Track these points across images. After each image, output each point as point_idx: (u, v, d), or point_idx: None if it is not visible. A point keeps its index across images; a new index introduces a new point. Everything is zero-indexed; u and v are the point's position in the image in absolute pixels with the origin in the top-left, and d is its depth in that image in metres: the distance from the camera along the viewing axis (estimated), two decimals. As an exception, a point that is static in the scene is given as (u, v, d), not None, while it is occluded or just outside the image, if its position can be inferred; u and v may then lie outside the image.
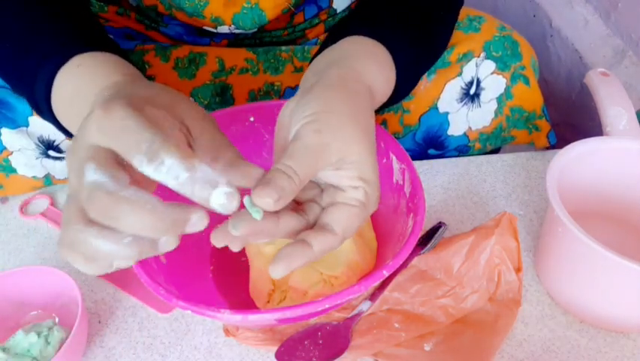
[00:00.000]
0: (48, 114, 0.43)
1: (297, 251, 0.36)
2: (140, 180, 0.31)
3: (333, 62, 0.44)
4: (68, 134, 0.45)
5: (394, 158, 0.51)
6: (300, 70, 0.68)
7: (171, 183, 0.30)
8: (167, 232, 0.29)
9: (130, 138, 0.30)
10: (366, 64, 0.44)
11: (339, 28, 0.49)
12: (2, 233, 0.61)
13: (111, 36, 0.65)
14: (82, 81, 0.40)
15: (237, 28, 0.61)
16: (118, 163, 0.31)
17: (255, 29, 0.63)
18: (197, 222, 0.30)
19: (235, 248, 0.36)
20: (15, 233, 0.61)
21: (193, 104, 0.37)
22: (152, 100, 0.34)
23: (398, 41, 0.48)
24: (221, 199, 0.30)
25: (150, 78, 0.64)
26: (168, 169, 0.29)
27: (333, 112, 0.38)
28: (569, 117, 0.94)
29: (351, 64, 0.43)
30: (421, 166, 0.68)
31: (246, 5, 0.59)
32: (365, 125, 0.39)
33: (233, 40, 0.68)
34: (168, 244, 0.31)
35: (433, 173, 0.67)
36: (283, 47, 0.68)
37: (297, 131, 0.38)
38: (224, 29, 0.62)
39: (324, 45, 0.49)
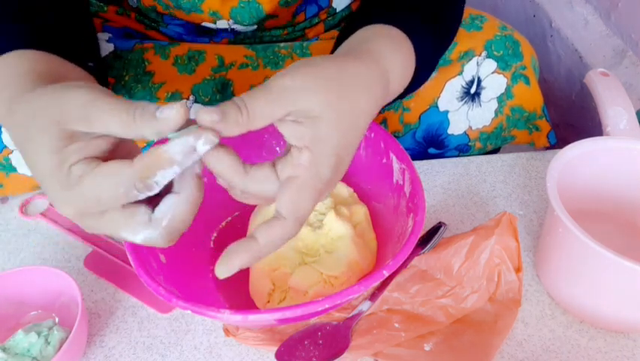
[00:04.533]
0: None
1: (241, 247, 0.35)
2: None
3: (350, 48, 0.43)
4: None
5: (394, 158, 0.51)
6: None
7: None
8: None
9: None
10: (383, 46, 0.43)
11: (353, 20, 0.49)
12: (2, 233, 0.61)
13: (110, 35, 0.65)
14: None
15: (236, 23, 0.61)
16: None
17: (255, 25, 0.63)
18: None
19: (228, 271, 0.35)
20: (15, 233, 0.61)
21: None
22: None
23: (415, 26, 0.47)
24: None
25: (150, 74, 0.63)
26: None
27: (310, 63, 0.36)
28: (569, 117, 0.94)
29: (368, 46, 0.42)
30: (421, 166, 0.68)
31: None
32: (347, 88, 0.36)
33: (233, 40, 0.68)
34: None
35: (433, 173, 0.67)
36: (282, 44, 0.68)
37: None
38: (223, 24, 0.61)
39: (341, 38, 0.48)
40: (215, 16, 0.60)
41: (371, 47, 0.42)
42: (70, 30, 0.47)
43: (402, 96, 0.49)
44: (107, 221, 0.34)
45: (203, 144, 0.32)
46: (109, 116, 0.32)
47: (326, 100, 0.35)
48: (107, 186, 0.32)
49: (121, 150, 0.36)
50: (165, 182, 0.33)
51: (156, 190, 0.33)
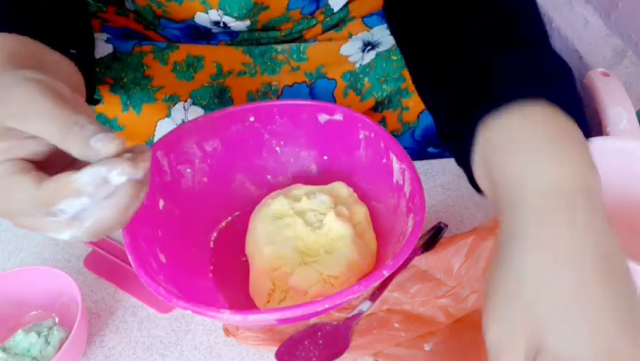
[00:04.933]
0: None
1: None
2: None
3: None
4: None
5: (394, 158, 0.51)
6: (296, 69, 0.68)
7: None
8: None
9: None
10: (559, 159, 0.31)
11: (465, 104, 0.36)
12: (2, 233, 0.61)
13: (108, 35, 0.65)
14: None
15: (226, 14, 0.61)
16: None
17: (248, 21, 0.62)
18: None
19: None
20: (15, 233, 0.61)
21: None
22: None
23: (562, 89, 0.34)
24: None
25: (149, 78, 0.64)
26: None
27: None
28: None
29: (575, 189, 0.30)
30: (421, 166, 0.68)
31: None
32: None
33: (230, 43, 0.68)
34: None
35: (433, 173, 0.67)
36: (279, 47, 0.68)
37: None
38: (214, 15, 0.61)
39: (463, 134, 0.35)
40: (204, 4, 0.59)
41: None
42: (57, 16, 0.45)
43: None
44: (29, 222, 0.33)
45: (117, 175, 0.30)
46: (44, 120, 0.30)
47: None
48: (13, 200, 0.31)
49: (66, 156, 0.33)
50: (74, 211, 0.31)
51: (64, 217, 0.31)
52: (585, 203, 0.29)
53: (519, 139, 0.31)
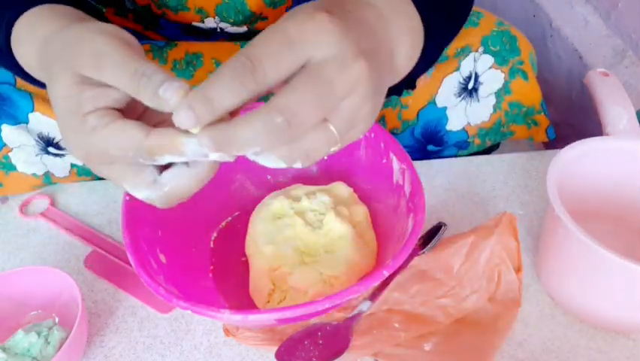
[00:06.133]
0: (8, 56, 0.44)
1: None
2: None
3: None
4: (27, 76, 0.45)
5: (394, 158, 0.51)
6: None
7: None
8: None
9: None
10: (388, 9, 0.38)
11: None
12: (2, 233, 0.61)
13: None
14: (36, 22, 0.41)
15: (222, 21, 0.61)
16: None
17: (244, 26, 0.62)
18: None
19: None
20: (15, 233, 0.61)
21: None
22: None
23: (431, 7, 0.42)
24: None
25: None
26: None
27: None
28: (568, 117, 0.93)
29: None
30: (421, 166, 0.68)
31: None
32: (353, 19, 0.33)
33: (229, 39, 0.68)
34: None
35: (433, 173, 0.67)
36: None
37: None
38: (210, 22, 0.61)
39: None
40: (201, 13, 0.60)
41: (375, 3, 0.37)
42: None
43: (413, 76, 0.44)
44: (115, 171, 0.35)
45: (218, 157, 0.32)
46: (116, 72, 0.32)
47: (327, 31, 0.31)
48: (117, 145, 0.33)
49: (139, 105, 0.34)
50: (172, 161, 0.33)
51: (161, 163, 0.33)
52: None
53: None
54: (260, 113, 0.29)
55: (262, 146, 0.30)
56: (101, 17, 0.46)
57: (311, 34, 0.30)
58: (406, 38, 0.39)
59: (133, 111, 0.36)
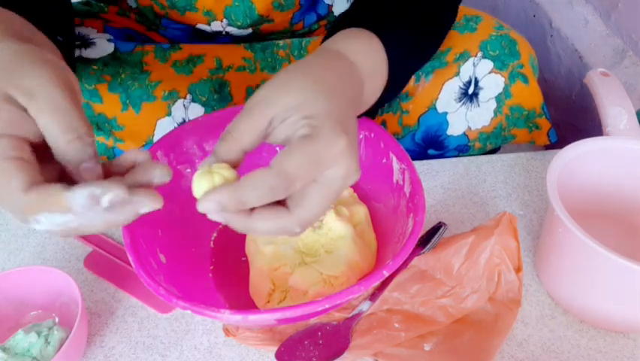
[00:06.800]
0: None
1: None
2: None
3: (319, 49, 0.44)
4: None
5: (394, 158, 0.51)
6: None
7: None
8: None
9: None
10: (350, 45, 0.44)
11: (335, 25, 0.49)
12: (2, 233, 0.61)
13: (111, 36, 0.65)
14: None
15: (230, 24, 0.61)
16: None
17: (249, 28, 0.63)
18: None
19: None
20: (15, 233, 0.61)
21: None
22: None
23: (392, 33, 0.47)
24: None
25: (147, 73, 0.63)
26: None
27: (276, 76, 0.38)
28: (569, 117, 0.93)
29: (336, 47, 0.43)
30: (421, 166, 0.68)
31: None
32: (317, 72, 0.38)
33: (231, 41, 0.68)
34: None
35: (433, 173, 0.67)
36: (281, 42, 0.68)
37: None
38: (217, 25, 0.61)
39: (323, 41, 0.49)
40: (209, 15, 0.60)
41: (339, 47, 0.43)
42: (42, 6, 0.45)
43: (386, 99, 0.49)
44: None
45: (107, 200, 0.28)
46: (50, 109, 0.29)
47: (298, 92, 0.36)
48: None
49: None
50: (51, 224, 0.29)
51: (37, 227, 0.29)
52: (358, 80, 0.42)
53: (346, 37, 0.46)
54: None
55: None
56: (56, 29, 0.43)
57: (333, 159, 0.35)
58: (366, 59, 0.44)
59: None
